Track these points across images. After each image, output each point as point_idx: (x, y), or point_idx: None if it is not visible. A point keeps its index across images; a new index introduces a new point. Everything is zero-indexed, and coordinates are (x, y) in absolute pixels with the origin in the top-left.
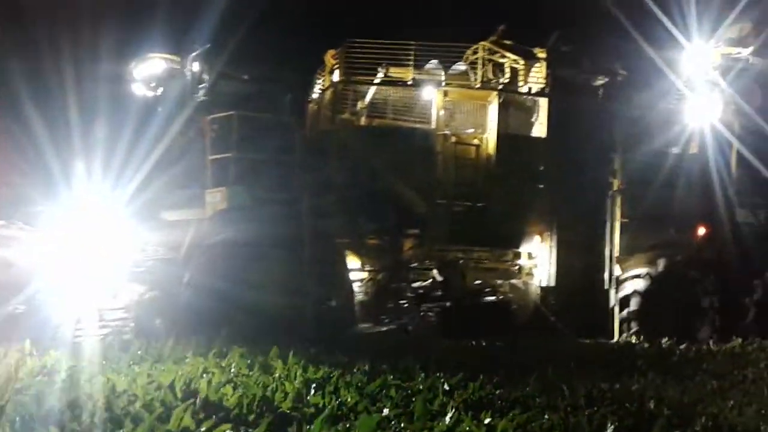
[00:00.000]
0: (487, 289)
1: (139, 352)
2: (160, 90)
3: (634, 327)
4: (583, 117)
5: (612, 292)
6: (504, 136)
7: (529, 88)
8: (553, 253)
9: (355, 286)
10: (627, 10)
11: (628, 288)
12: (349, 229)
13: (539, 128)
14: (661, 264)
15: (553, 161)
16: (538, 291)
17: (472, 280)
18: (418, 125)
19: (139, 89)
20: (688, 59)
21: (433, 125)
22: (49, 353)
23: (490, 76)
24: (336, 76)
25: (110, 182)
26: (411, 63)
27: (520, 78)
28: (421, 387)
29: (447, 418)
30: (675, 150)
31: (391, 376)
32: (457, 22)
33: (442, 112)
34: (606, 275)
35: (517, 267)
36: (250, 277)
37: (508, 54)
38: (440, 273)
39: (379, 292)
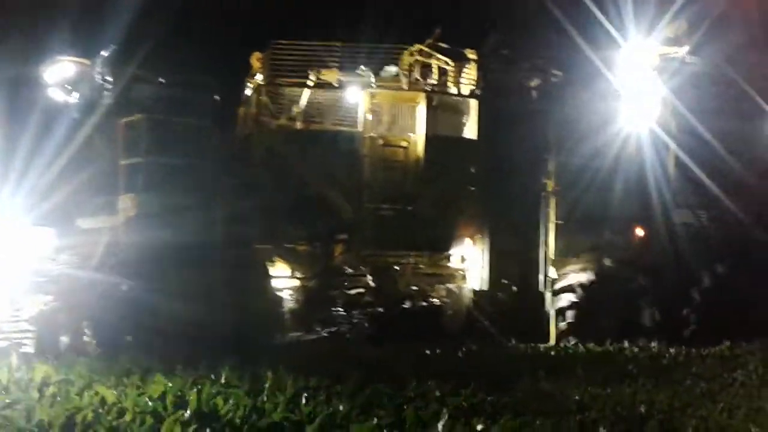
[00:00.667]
0: (421, 295)
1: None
2: (74, 94)
3: (571, 330)
4: (515, 118)
5: (548, 295)
6: (433, 139)
7: (459, 90)
8: (486, 256)
9: (286, 294)
10: (563, 11)
11: (563, 291)
12: (276, 236)
13: (471, 130)
14: (597, 266)
15: (484, 163)
16: (472, 295)
17: (405, 286)
18: (344, 128)
19: (55, 93)
20: (625, 59)
21: (360, 128)
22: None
23: (419, 78)
24: (260, 79)
25: (19, 189)
26: (338, 65)
27: (451, 80)
28: (412, 395)
29: (439, 426)
30: (611, 151)
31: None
32: (395, 25)
33: (369, 115)
34: (541, 278)
35: (450, 272)
36: (163, 286)
37: (439, 56)
38: (373, 279)
39: (310, 300)
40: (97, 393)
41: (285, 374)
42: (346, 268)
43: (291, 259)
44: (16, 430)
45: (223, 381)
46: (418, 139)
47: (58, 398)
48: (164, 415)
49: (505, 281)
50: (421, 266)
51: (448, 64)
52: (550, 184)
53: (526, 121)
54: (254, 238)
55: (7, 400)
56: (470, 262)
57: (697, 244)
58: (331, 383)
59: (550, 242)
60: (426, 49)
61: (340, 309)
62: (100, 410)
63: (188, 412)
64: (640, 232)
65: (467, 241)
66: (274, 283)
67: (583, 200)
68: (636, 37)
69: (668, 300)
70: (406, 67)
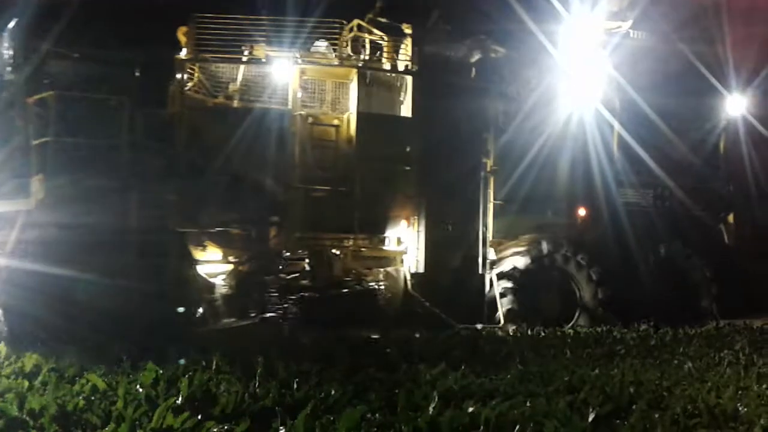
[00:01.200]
0: (357, 279)
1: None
2: None
3: (512, 313)
4: (454, 95)
5: (487, 276)
6: (365, 116)
7: (393, 65)
8: (422, 238)
9: (219, 279)
10: None
11: (504, 272)
12: (206, 219)
13: (407, 108)
14: (538, 247)
15: (420, 142)
16: (410, 278)
17: (342, 270)
18: (273, 106)
19: None
20: (567, 34)
21: (289, 105)
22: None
23: (351, 53)
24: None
25: None
26: (267, 41)
27: (386, 56)
28: (403, 379)
29: (430, 409)
30: (554, 130)
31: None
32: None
33: (299, 92)
34: (480, 260)
35: (387, 254)
36: (76, 273)
37: (375, 32)
38: (309, 263)
39: (243, 285)
40: (87, 381)
41: (276, 360)
42: (282, 251)
43: (223, 243)
44: (8, 419)
45: (214, 367)
46: (350, 117)
47: (49, 387)
48: (157, 401)
49: (443, 263)
50: (357, 249)
51: (383, 39)
52: (490, 163)
53: (464, 98)
54: (176, 222)
55: None
56: (407, 244)
57: (641, 224)
58: (322, 368)
59: (489, 223)
60: (364, 24)
61: (275, 294)
62: (92, 398)
63: (180, 398)
64: (582, 212)
65: (403, 222)
66: (206, 268)
67: (524, 180)
68: (579, 12)
69: (610, 280)
70: (339, 43)
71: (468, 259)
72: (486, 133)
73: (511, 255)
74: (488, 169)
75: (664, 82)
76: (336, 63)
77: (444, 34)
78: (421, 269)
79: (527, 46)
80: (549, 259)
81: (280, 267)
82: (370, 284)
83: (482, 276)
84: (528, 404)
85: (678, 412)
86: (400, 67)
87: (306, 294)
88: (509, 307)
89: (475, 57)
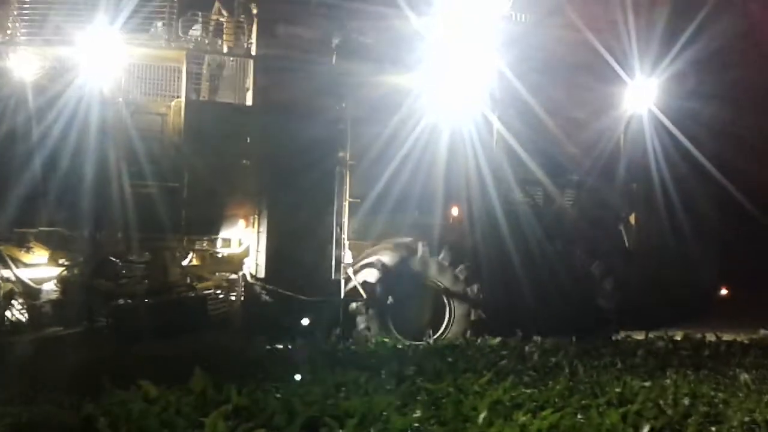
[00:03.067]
0: (189, 284)
1: None
2: None
3: (363, 322)
4: (301, 81)
5: (343, 282)
6: (194, 103)
7: (229, 48)
8: (263, 239)
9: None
10: None
11: (361, 277)
12: (32, 218)
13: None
14: (398, 250)
15: (260, 132)
16: (250, 283)
17: (177, 274)
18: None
19: None
20: (444, 21)
21: (108, 92)
22: None
23: (180, 34)
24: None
25: None
26: (83, 21)
27: (227, 38)
28: (450, 389)
29: (479, 419)
30: (423, 122)
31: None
32: None
33: (121, 77)
34: (332, 263)
35: (225, 257)
36: None
37: (224, 12)
38: (144, 266)
39: (72, 290)
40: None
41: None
42: (113, 254)
43: (52, 244)
44: None
45: None
46: (180, 105)
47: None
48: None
49: (287, 267)
50: (192, 252)
51: (223, 16)
52: (345, 158)
53: (316, 86)
54: None
55: None
56: (247, 245)
57: (526, 223)
58: (369, 377)
59: (344, 223)
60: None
61: (104, 299)
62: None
63: (230, 406)
64: (454, 211)
65: (241, 222)
66: (31, 272)
67: (389, 175)
68: None
69: (482, 280)
70: (168, 23)
71: (318, 263)
72: (342, 124)
73: (368, 258)
74: (344, 163)
75: (556, 72)
76: (162, 45)
77: (296, 15)
78: (262, 274)
79: (395, 31)
80: (407, 262)
81: (115, 271)
82: (201, 290)
83: (336, 282)
84: (579, 417)
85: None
86: (240, 50)
87: (129, 301)
88: (362, 319)
89: (334, 41)
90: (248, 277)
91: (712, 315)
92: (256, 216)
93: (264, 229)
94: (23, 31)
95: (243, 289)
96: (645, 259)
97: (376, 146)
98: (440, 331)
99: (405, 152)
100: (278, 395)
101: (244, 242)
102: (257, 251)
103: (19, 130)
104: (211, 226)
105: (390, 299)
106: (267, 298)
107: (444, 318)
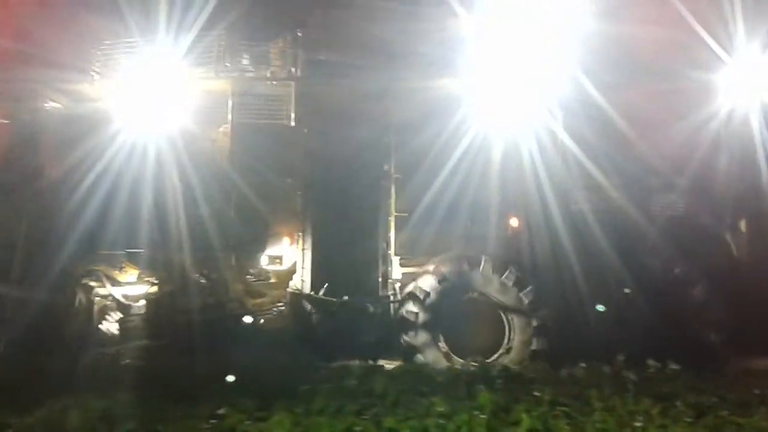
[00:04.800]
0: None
1: None
2: None
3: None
4: (343, 100)
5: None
6: (241, 128)
7: (272, 73)
8: (308, 256)
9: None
10: None
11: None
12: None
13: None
14: (458, 262)
15: (304, 151)
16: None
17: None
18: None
19: None
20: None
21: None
22: None
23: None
24: None
25: None
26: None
27: (268, 63)
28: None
29: None
30: (480, 129)
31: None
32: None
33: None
34: (379, 280)
35: (271, 275)
36: None
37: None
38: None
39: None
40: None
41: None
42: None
43: (139, 264)
44: None
45: None
46: (227, 128)
47: None
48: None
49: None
50: (239, 269)
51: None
52: (390, 171)
53: (360, 101)
54: None
55: None
56: (292, 262)
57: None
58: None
59: (390, 238)
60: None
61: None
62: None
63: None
64: (514, 222)
65: (286, 239)
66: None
67: (438, 188)
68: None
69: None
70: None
71: (364, 279)
72: (387, 137)
73: (419, 276)
74: (389, 177)
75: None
76: (212, 76)
77: (335, 37)
78: (308, 290)
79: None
80: (463, 279)
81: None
82: (260, 306)
83: (386, 298)
84: None
85: None
86: (282, 74)
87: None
88: (411, 337)
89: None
90: (296, 293)
91: None
92: (301, 233)
93: (309, 245)
94: (99, 68)
95: (291, 304)
96: (759, 272)
97: (427, 156)
98: (495, 356)
99: (458, 162)
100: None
101: (291, 259)
102: (302, 268)
103: (108, 162)
104: (259, 244)
105: (443, 312)
106: (313, 309)
107: (501, 342)
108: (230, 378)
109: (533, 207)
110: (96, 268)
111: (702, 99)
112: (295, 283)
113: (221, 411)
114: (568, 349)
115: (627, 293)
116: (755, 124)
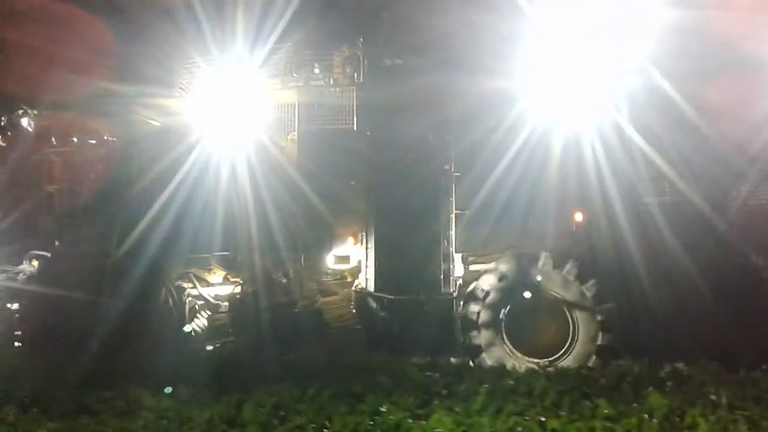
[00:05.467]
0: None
1: None
2: None
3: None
4: (402, 101)
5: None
6: (307, 134)
7: (335, 80)
8: (371, 255)
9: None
10: None
11: (477, 290)
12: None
13: (351, 120)
14: (519, 259)
15: (366, 154)
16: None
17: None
18: None
19: None
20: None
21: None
22: None
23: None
24: None
25: None
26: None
27: (331, 71)
28: None
29: None
30: (541, 125)
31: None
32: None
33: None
34: (441, 278)
35: (337, 273)
36: None
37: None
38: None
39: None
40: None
41: None
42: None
43: (226, 266)
44: None
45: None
46: (294, 136)
47: None
48: None
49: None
50: (311, 269)
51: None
52: (450, 170)
53: (412, 104)
54: None
55: None
56: (357, 261)
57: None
58: None
59: (451, 236)
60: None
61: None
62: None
63: None
64: (578, 216)
65: (350, 239)
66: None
67: (497, 184)
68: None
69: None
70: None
71: (427, 277)
72: (449, 135)
73: (481, 274)
74: (449, 176)
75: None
76: (279, 86)
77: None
78: (372, 288)
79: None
80: (522, 275)
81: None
82: (331, 303)
83: (448, 296)
84: None
85: None
86: (344, 81)
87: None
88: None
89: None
90: (360, 291)
91: None
92: (364, 233)
93: (372, 245)
94: (185, 84)
95: (357, 301)
96: None
97: (486, 152)
98: (560, 353)
99: (517, 157)
100: None
101: (355, 258)
102: (366, 267)
103: (193, 172)
104: (323, 245)
105: (506, 310)
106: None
107: (566, 339)
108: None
109: (597, 201)
110: (188, 270)
111: None
112: (359, 282)
113: (383, 408)
114: (636, 345)
115: (693, 287)
116: None
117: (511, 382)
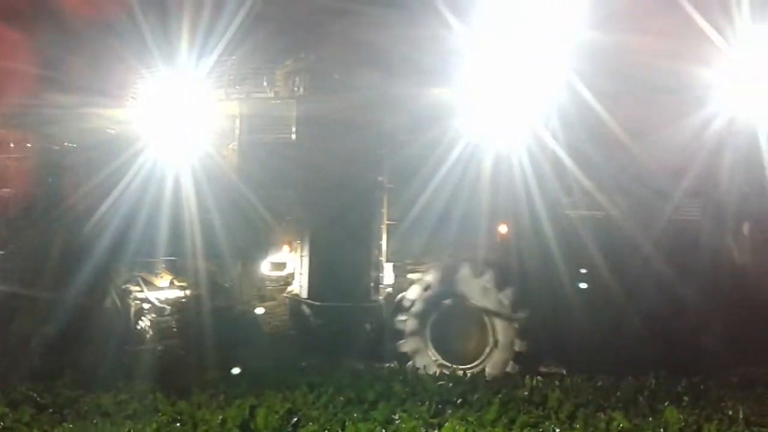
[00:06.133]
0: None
1: None
2: None
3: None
4: (339, 115)
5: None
6: (247, 144)
7: (276, 93)
8: (305, 263)
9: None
10: None
11: (404, 300)
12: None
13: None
14: (442, 269)
15: (304, 165)
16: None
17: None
18: None
19: None
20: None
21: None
22: None
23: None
24: None
25: None
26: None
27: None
28: None
29: None
30: (470, 139)
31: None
32: None
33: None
34: (371, 285)
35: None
36: None
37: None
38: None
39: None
40: None
41: None
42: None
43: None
44: None
45: None
46: (235, 146)
47: None
48: None
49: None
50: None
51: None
52: (383, 181)
53: (356, 117)
54: None
55: None
56: (291, 269)
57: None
58: None
59: (382, 245)
60: None
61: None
62: None
63: None
64: (502, 228)
65: (286, 247)
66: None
67: (428, 196)
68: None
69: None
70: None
71: (358, 285)
72: (381, 149)
73: (410, 283)
74: (382, 187)
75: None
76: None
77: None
78: (305, 295)
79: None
80: (445, 285)
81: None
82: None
83: (376, 303)
84: None
85: None
86: (284, 93)
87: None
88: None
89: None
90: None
91: None
92: (300, 241)
93: (306, 253)
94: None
95: (291, 307)
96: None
97: (418, 165)
98: (480, 360)
99: (449, 170)
100: None
101: (290, 265)
102: (300, 274)
103: (140, 179)
104: (262, 251)
105: (431, 319)
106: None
107: (486, 345)
108: None
109: (523, 214)
110: (137, 274)
111: (700, 105)
112: (293, 288)
113: (396, 416)
114: (555, 352)
115: (614, 296)
116: (755, 130)
117: (526, 393)
